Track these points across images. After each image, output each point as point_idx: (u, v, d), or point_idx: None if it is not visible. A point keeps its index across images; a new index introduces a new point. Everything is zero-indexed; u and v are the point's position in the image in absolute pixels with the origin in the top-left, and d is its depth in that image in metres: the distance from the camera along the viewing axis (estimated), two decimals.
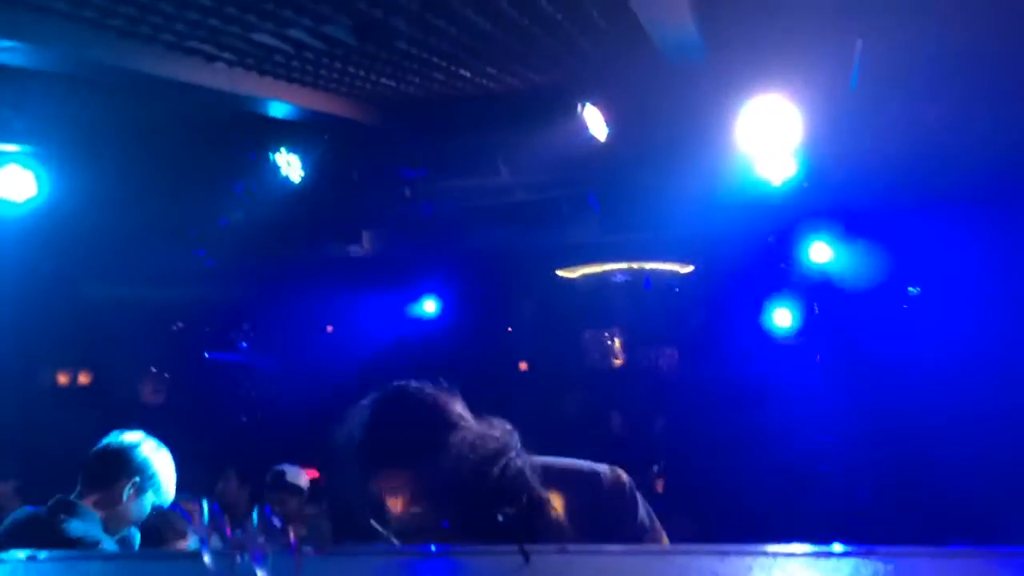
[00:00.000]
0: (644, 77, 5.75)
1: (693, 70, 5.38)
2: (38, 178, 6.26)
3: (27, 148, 6.16)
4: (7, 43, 3.89)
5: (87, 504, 3.03)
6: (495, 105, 6.44)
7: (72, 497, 3.04)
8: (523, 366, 14.25)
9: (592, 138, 6.21)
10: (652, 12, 4.24)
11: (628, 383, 12.21)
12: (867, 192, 5.85)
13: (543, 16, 4.60)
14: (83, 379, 10.41)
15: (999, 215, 5.84)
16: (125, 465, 3.11)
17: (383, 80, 5.77)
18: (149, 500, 3.15)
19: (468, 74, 5.76)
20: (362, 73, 5.53)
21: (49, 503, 3.03)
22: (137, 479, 3.11)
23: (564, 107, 6.15)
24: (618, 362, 13.05)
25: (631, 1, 4.07)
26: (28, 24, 3.88)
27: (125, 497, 3.08)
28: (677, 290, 10.60)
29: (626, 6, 4.22)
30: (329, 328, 15.03)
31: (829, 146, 5.20)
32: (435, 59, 5.33)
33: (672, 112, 5.87)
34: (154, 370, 15.76)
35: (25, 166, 6.23)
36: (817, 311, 8.95)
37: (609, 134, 6.14)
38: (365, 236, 7.72)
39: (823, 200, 6.08)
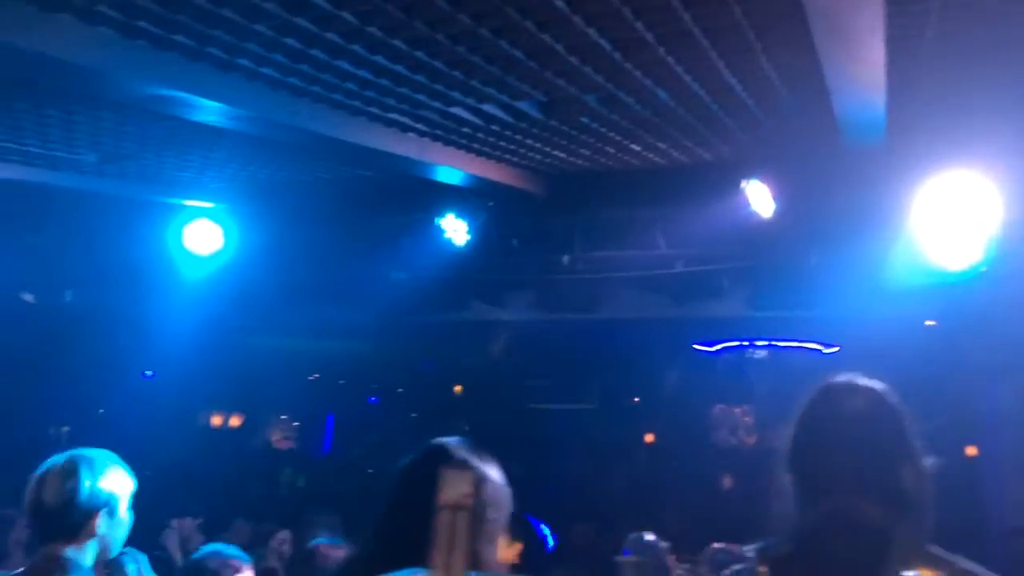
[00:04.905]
0: (818, 156, 5.74)
1: (871, 150, 5.35)
2: (226, 233, 6.70)
3: (220, 205, 6.59)
4: (238, 111, 4.22)
5: None
6: (657, 178, 6.54)
7: None
8: (649, 438, 14.03)
9: (755, 214, 6.20)
10: (847, 94, 4.25)
11: (757, 462, 11.86)
12: None
13: (731, 94, 4.67)
14: (234, 421, 10.88)
15: None
16: None
17: (556, 152, 5.96)
18: None
19: (638, 148, 5.88)
20: (538, 145, 5.73)
21: None
22: None
23: (727, 183, 6.18)
24: (749, 440, 12.71)
25: (829, 82, 4.09)
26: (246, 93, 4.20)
27: None
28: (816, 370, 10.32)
29: (819, 85, 4.25)
30: (457, 388, 15.24)
31: (1018, 231, 5.05)
32: (611, 134, 5.47)
33: (844, 192, 5.82)
34: (284, 417, 16.28)
35: (215, 221, 6.68)
36: None
37: (775, 211, 6.13)
38: (518, 300, 7.87)
39: (1000, 289, 5.85)
